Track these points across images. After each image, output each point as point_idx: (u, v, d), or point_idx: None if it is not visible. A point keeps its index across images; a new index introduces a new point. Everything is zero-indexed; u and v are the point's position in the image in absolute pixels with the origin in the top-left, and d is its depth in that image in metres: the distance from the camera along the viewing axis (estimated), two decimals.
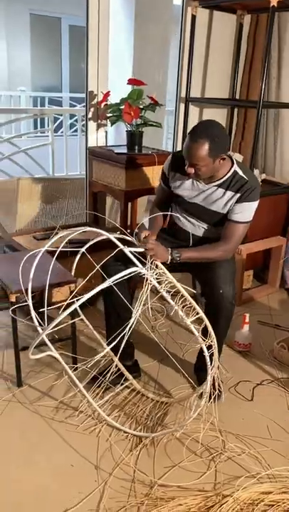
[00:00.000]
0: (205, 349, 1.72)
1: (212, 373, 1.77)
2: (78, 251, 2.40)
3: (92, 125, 2.97)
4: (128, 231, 3.41)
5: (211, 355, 1.77)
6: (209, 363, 1.74)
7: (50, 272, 1.88)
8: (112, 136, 3.82)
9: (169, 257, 1.90)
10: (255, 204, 1.99)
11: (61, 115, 6.20)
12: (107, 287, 1.80)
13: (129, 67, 4.01)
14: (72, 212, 3.31)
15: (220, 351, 2.10)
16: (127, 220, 2.83)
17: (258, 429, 1.92)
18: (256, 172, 3.17)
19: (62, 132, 5.58)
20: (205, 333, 1.80)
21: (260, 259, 3.26)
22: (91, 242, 1.98)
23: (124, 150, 2.88)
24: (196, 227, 2.13)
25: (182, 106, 3.28)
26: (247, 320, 2.42)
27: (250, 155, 2.99)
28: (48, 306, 2.66)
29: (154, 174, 2.85)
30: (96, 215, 3.11)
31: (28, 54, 9.32)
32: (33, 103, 8.38)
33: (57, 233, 2.82)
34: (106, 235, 1.80)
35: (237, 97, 3.55)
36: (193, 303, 1.80)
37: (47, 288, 1.91)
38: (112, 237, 1.78)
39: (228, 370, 2.29)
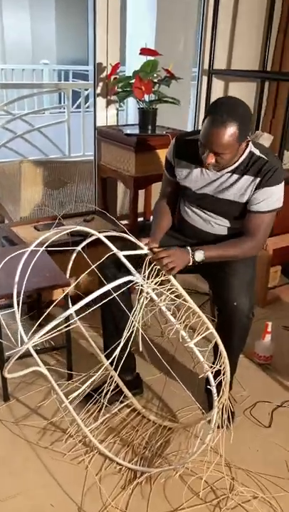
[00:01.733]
0: (211, 379, 1.42)
1: (220, 404, 1.48)
2: (78, 244, 2.15)
3: (101, 102, 2.65)
4: (141, 219, 3.13)
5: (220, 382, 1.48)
6: (216, 394, 1.45)
7: (23, 274, 1.62)
8: (132, 114, 3.50)
9: (191, 258, 1.62)
10: (279, 187, 1.66)
11: (86, 90, 5.84)
12: (104, 292, 1.55)
13: (152, 38, 3.64)
14: (82, 198, 3.03)
15: (234, 372, 1.81)
16: (137, 209, 2.53)
17: (274, 465, 1.63)
18: (287, 154, 2.80)
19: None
20: (216, 350, 1.52)
21: None
22: (86, 242, 1.69)
23: (136, 130, 2.57)
24: (210, 223, 1.82)
25: (205, 79, 2.92)
26: (269, 329, 2.11)
27: (281, 134, 2.62)
28: (44, 305, 2.44)
29: None
30: (106, 202, 2.83)
31: (53, 25, 8.96)
32: (58, 77, 8.05)
33: (60, 224, 2.57)
34: (97, 235, 1.52)
35: (268, 68, 3.15)
36: (203, 316, 1.50)
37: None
38: (102, 237, 1.50)
39: (245, 387, 1.99)
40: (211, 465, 1.58)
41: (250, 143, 1.66)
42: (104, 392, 1.78)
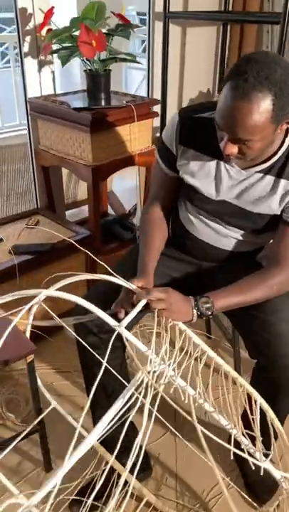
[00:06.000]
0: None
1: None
2: (25, 266, 1.57)
3: (30, 64, 1.94)
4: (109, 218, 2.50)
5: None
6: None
7: None
8: (59, 78, 2.79)
9: (195, 311, 1.08)
10: None
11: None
12: (86, 356, 1.20)
13: None
14: (17, 191, 2.35)
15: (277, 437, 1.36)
16: (98, 209, 1.92)
17: None
18: None
19: None
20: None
21: None
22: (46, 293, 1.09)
23: (85, 101, 1.92)
24: (224, 237, 1.29)
25: (158, 25, 2.29)
26: None
27: None
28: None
29: (132, 136, 1.92)
30: (51, 195, 2.18)
31: None
32: None
33: None
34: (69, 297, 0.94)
35: (230, 8, 2.56)
36: (252, 391, 1.01)
37: None
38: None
39: None
40: None
41: None
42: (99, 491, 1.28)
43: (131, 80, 4.21)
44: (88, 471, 1.29)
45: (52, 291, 0.95)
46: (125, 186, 2.88)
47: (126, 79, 4.16)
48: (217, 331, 1.88)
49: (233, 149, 1.05)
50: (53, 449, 1.46)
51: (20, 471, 1.44)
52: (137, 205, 2.25)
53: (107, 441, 1.31)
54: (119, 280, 1.07)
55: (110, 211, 2.54)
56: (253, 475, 1.28)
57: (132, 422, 1.40)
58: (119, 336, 1.26)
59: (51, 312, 0.99)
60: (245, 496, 1.30)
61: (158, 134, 2.50)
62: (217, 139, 1.11)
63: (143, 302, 1.04)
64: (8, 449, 1.08)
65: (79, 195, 2.62)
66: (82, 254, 1.93)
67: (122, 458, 1.32)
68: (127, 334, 0.93)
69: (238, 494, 1.35)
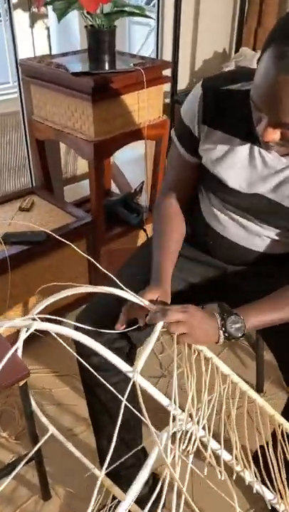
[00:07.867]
0: None
1: None
2: (18, 258, 1.37)
3: (21, 19, 1.66)
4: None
5: None
6: None
7: None
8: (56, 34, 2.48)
9: (221, 333, 0.88)
10: None
11: None
12: (89, 378, 1.05)
13: None
14: (9, 165, 2.10)
15: None
16: (101, 191, 1.67)
17: None
18: None
19: None
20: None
21: None
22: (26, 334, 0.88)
23: (85, 63, 1.64)
24: (254, 236, 1.07)
25: None
26: None
27: None
28: None
29: (140, 105, 1.66)
30: (48, 172, 1.92)
31: None
32: None
33: None
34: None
35: None
36: None
37: None
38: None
39: None
40: None
41: None
42: None
43: (135, 38, 3.85)
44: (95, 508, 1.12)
45: (43, 324, 0.73)
46: (129, 156, 2.60)
47: (129, 36, 3.79)
48: None
49: (274, 135, 0.82)
50: (51, 471, 1.29)
51: (15, 499, 1.27)
52: (144, 184, 2.00)
53: (114, 473, 1.13)
54: (126, 294, 0.87)
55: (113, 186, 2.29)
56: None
57: (144, 449, 1.22)
58: (128, 351, 1.06)
59: (57, 336, 0.78)
60: None
61: (167, 100, 2.23)
62: (250, 117, 0.88)
63: (159, 326, 0.84)
64: (5, 483, 0.92)
65: (79, 169, 2.37)
66: (83, 242, 1.71)
67: (129, 486, 1.14)
68: (142, 382, 0.72)
69: None
